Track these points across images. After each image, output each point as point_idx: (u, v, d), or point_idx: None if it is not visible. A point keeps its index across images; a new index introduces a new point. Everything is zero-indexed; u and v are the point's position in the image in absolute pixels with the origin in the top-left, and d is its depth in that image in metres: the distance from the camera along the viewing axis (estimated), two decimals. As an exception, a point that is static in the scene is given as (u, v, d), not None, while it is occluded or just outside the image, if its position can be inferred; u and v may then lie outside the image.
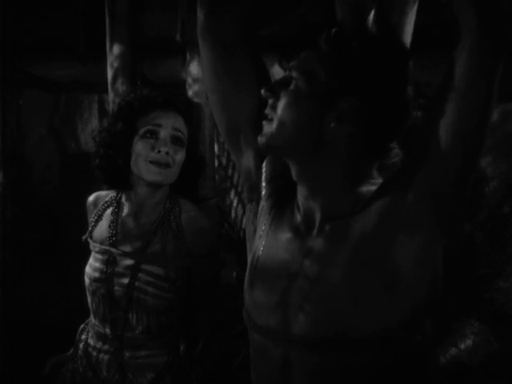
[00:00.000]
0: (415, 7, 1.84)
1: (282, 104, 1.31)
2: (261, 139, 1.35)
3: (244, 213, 3.64)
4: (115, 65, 3.19)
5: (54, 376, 2.28)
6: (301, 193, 1.37)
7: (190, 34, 3.12)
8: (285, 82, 1.33)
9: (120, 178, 2.13)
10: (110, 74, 3.22)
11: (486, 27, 1.18)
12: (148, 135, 2.07)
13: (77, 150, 4.09)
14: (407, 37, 1.81)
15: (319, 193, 1.33)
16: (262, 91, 1.35)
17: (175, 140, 2.09)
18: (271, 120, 1.33)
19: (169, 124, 2.09)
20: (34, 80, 3.88)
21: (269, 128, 1.33)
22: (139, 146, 2.07)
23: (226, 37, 1.47)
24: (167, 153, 2.06)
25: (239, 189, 3.76)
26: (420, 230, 1.24)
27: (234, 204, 3.79)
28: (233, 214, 3.77)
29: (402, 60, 1.32)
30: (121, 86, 3.16)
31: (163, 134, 2.07)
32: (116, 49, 3.18)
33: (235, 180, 3.78)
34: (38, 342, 3.58)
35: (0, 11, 3.65)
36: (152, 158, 2.05)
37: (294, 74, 1.31)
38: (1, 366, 3.36)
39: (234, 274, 3.13)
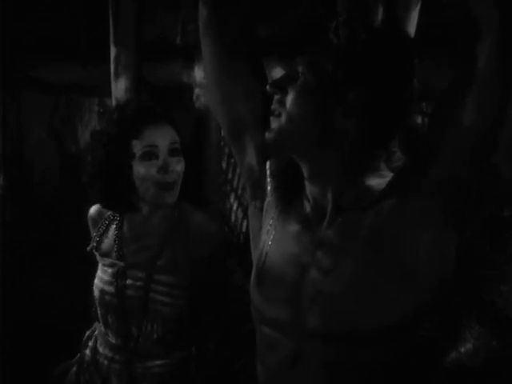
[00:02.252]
0: (418, 8, 1.85)
1: (290, 98, 1.31)
2: (269, 135, 1.34)
3: (244, 216, 3.64)
4: (117, 67, 3.19)
5: (58, 382, 2.26)
6: (310, 185, 1.37)
7: (191, 36, 3.12)
8: (291, 77, 1.32)
9: (123, 203, 2.11)
10: (112, 77, 3.21)
11: (508, 27, 1.18)
12: (147, 157, 2.04)
13: (77, 152, 4.09)
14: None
15: (328, 185, 1.33)
16: (268, 86, 1.35)
17: (173, 152, 2.07)
18: (279, 115, 1.33)
19: (164, 140, 2.06)
20: (34, 82, 3.88)
21: (277, 123, 1.33)
22: (142, 170, 2.03)
23: (226, 36, 1.48)
24: (172, 171, 2.04)
25: (239, 192, 3.76)
26: (428, 227, 1.24)
27: (234, 207, 3.79)
28: (233, 218, 3.77)
29: (409, 53, 1.32)
30: (124, 90, 3.16)
31: (162, 152, 2.04)
32: (119, 52, 3.18)
33: (235, 183, 3.78)
34: (38, 342, 3.57)
35: (0, 14, 3.66)
36: (160, 180, 2.02)
37: (302, 68, 1.31)
38: (1, 365, 3.35)
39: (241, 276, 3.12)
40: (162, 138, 2.06)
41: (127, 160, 2.04)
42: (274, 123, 1.33)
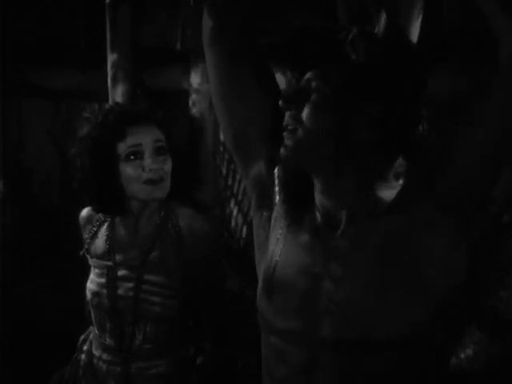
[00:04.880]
0: (420, 18, 1.86)
1: (307, 114, 1.29)
2: (285, 152, 1.32)
3: (244, 222, 3.64)
4: (115, 73, 3.19)
5: None
6: (322, 197, 1.36)
7: (190, 42, 3.13)
8: (305, 92, 1.30)
9: (115, 206, 2.12)
10: (109, 82, 3.22)
11: None
12: (132, 157, 2.05)
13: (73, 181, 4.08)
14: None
15: (342, 197, 1.33)
16: (281, 103, 1.32)
17: (159, 151, 2.08)
18: (294, 131, 1.31)
19: (148, 139, 2.07)
20: (34, 87, 3.88)
21: (293, 139, 1.31)
22: (128, 170, 2.05)
23: (233, 44, 1.46)
24: (157, 168, 2.05)
25: (239, 198, 3.75)
26: (439, 235, 1.25)
27: (234, 213, 3.79)
28: (233, 223, 3.77)
29: (421, 64, 1.33)
30: (121, 95, 3.16)
31: (147, 151, 2.05)
32: (116, 57, 3.18)
33: (235, 189, 3.78)
34: (38, 342, 3.56)
35: (0, 21, 3.66)
36: (145, 178, 2.03)
37: (316, 82, 1.29)
38: (1, 366, 3.34)
39: (238, 280, 3.13)
40: (146, 136, 2.07)
41: (113, 162, 2.06)
42: (289, 139, 1.31)
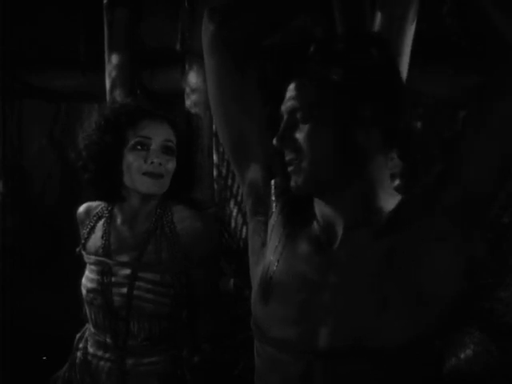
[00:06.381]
0: (414, 23, 1.86)
1: (307, 144, 1.28)
2: (296, 186, 1.32)
3: (244, 222, 3.64)
4: (113, 75, 3.20)
5: None
6: (322, 207, 1.36)
7: (189, 43, 3.13)
8: (294, 125, 1.30)
9: (113, 192, 2.13)
10: (108, 84, 3.23)
11: None
12: (139, 147, 2.07)
13: (77, 160, 4.08)
14: (407, 50, 1.83)
15: (343, 207, 1.33)
16: (276, 141, 1.32)
17: (165, 149, 2.10)
18: (299, 162, 1.30)
19: (158, 135, 2.09)
20: (35, 90, 3.89)
21: (300, 174, 1.31)
22: (130, 159, 2.07)
23: (238, 48, 1.44)
24: (160, 163, 2.06)
25: (239, 198, 3.75)
26: (448, 244, 1.25)
27: (234, 214, 3.78)
28: (232, 224, 3.76)
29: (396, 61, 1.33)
30: (119, 96, 3.17)
31: (154, 145, 2.08)
32: (114, 59, 3.19)
33: (235, 190, 3.77)
34: (38, 344, 3.57)
35: (0, 23, 3.66)
36: (145, 169, 2.06)
37: (304, 111, 1.29)
38: (1, 372, 3.35)
39: (232, 281, 3.13)
40: (158, 132, 2.10)
41: (120, 146, 2.08)
42: (296, 174, 1.31)
